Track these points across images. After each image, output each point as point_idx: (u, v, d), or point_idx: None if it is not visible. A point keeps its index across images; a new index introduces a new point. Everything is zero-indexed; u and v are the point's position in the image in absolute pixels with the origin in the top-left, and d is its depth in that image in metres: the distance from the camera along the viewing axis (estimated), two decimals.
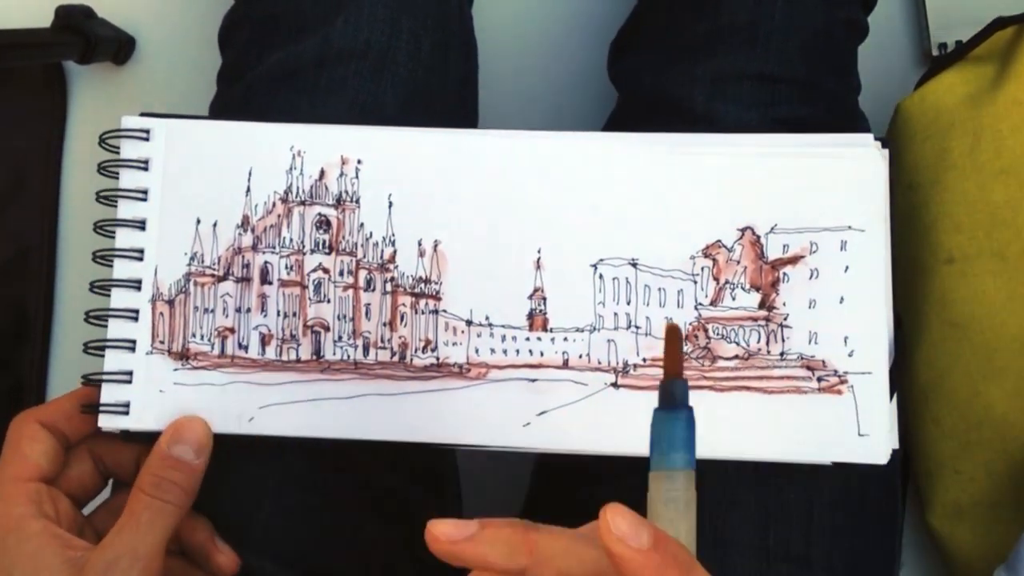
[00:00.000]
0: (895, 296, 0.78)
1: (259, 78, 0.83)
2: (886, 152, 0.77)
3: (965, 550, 0.93)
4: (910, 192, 0.91)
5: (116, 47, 1.11)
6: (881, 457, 0.76)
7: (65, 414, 0.76)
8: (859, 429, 0.76)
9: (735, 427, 0.76)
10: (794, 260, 0.77)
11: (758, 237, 0.77)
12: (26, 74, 1.13)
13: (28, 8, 1.11)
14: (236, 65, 0.87)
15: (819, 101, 0.86)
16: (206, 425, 0.75)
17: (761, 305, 0.77)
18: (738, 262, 0.77)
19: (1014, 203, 0.86)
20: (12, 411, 1.06)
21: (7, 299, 1.11)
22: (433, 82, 0.85)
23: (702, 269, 0.77)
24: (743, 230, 0.77)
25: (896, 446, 0.76)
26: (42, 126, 1.12)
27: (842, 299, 0.76)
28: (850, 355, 0.76)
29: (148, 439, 0.76)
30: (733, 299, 0.77)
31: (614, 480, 0.82)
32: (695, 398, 0.75)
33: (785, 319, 0.77)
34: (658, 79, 0.87)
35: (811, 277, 0.77)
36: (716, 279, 0.77)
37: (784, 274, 0.77)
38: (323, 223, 0.78)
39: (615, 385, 0.77)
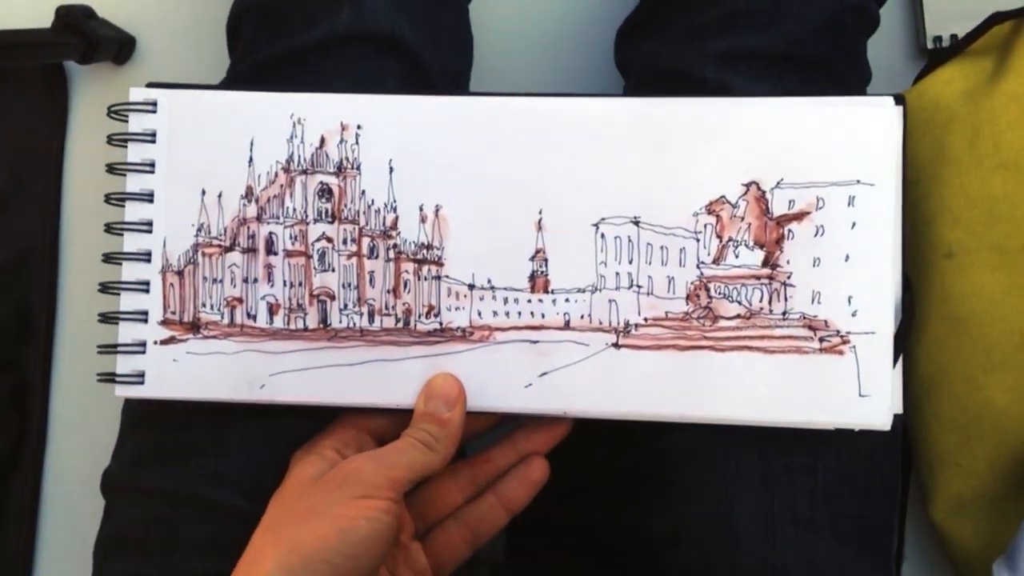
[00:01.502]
0: (907, 263, 0.78)
1: (265, 60, 0.85)
2: (900, 109, 0.78)
3: (967, 544, 0.93)
4: (909, 187, 0.91)
5: (117, 47, 1.11)
6: (882, 419, 0.76)
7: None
8: (860, 390, 0.76)
9: (735, 387, 0.76)
10: (800, 216, 0.77)
11: (763, 192, 0.77)
12: (26, 74, 1.13)
13: (28, 8, 1.11)
14: (242, 49, 0.88)
15: (829, 84, 0.86)
16: (457, 382, 0.77)
17: (765, 263, 0.77)
18: (742, 218, 0.77)
19: (1013, 197, 0.86)
20: (15, 411, 1.08)
21: (9, 299, 1.11)
22: (433, 65, 0.87)
23: (705, 226, 0.77)
24: (748, 185, 0.77)
25: (899, 411, 0.77)
26: (43, 126, 1.13)
27: (847, 257, 0.76)
28: (853, 315, 0.76)
29: (165, 407, 0.79)
30: (736, 257, 0.77)
31: (630, 443, 0.82)
32: (696, 358, 0.77)
33: (788, 277, 0.77)
34: (669, 59, 0.88)
35: (816, 234, 0.77)
36: (719, 236, 0.77)
37: (789, 231, 0.77)
38: (325, 191, 0.79)
39: (616, 345, 0.77)
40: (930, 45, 1.08)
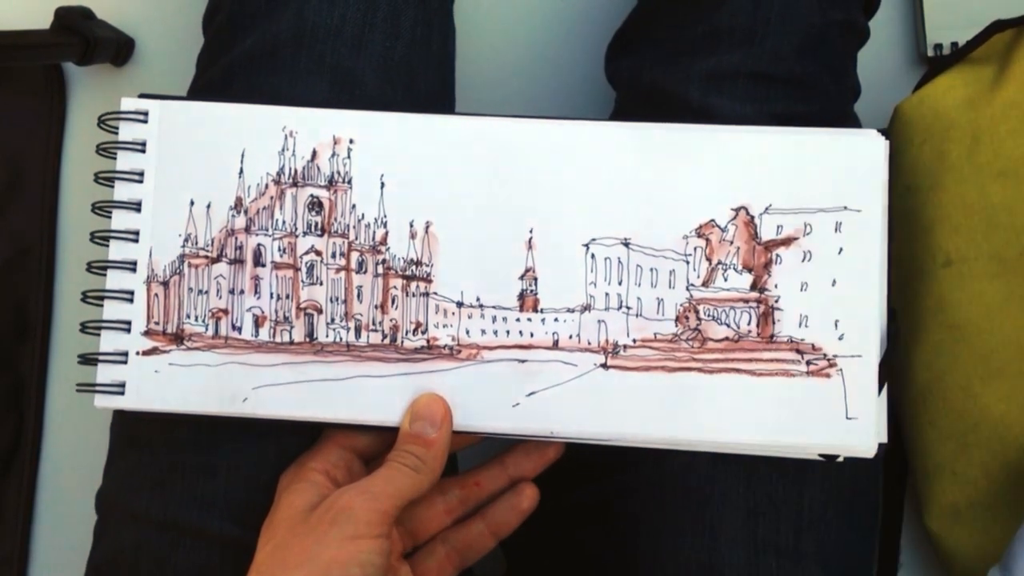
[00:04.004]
0: (892, 294, 0.78)
1: (237, 59, 0.84)
2: (886, 142, 0.78)
3: (963, 552, 0.93)
4: (908, 194, 0.91)
5: (115, 48, 1.11)
6: (868, 445, 0.76)
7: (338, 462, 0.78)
8: (847, 412, 0.76)
9: (723, 409, 0.76)
10: (787, 242, 0.77)
11: (752, 217, 0.77)
12: (26, 75, 1.13)
13: (27, 9, 1.11)
14: (213, 46, 0.87)
15: (814, 100, 0.86)
16: (442, 402, 0.77)
17: (753, 287, 0.77)
18: (731, 242, 0.77)
19: (1012, 205, 0.86)
20: (12, 411, 1.07)
21: (7, 299, 1.11)
22: (414, 58, 0.85)
23: (695, 249, 0.77)
24: (737, 210, 0.77)
25: (884, 440, 0.76)
26: (41, 127, 1.13)
27: (834, 282, 0.76)
28: (840, 339, 0.76)
29: (145, 418, 0.79)
30: (725, 280, 0.77)
31: (617, 470, 0.82)
32: (684, 380, 0.76)
33: (776, 301, 0.77)
34: (655, 77, 0.88)
35: (804, 259, 0.77)
36: (709, 259, 0.77)
37: (777, 255, 0.77)
38: (315, 204, 0.78)
39: (604, 366, 0.77)
40: (930, 52, 1.08)
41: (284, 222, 0.78)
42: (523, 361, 0.77)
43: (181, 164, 0.79)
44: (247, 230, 0.78)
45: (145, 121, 0.79)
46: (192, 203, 0.78)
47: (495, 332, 0.77)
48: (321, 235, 0.78)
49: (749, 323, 0.77)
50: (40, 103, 1.13)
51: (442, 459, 0.76)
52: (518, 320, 0.77)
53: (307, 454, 0.77)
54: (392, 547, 0.74)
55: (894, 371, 0.84)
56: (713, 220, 0.77)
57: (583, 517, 0.85)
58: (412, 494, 0.74)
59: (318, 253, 0.78)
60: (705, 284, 0.77)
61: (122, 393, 0.77)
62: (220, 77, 0.84)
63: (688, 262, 0.77)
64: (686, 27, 0.88)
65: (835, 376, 0.76)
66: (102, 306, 0.78)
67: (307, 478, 0.75)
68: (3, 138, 1.13)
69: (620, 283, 0.77)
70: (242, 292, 0.78)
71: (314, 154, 0.78)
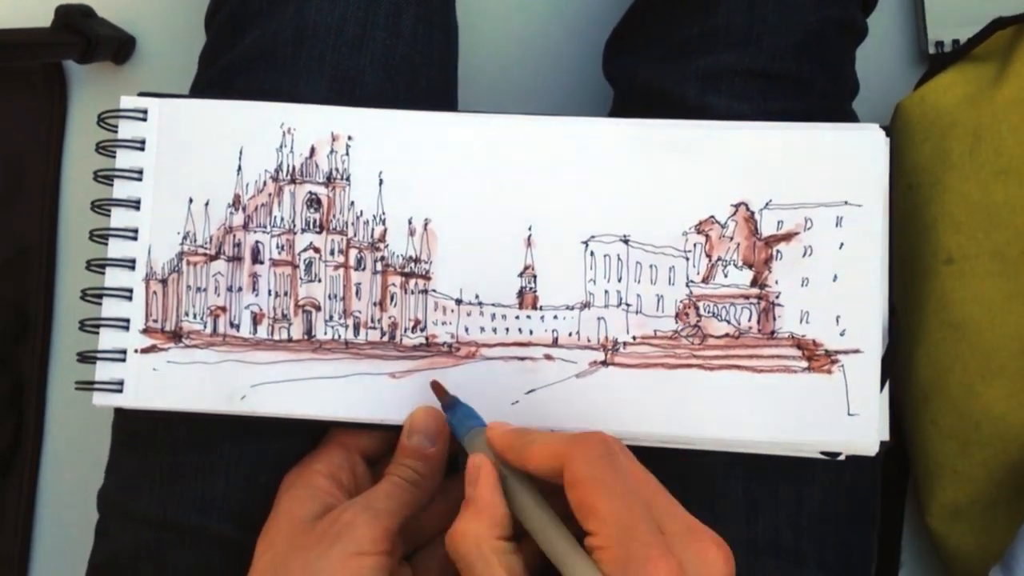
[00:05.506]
0: (894, 293, 0.77)
1: (237, 58, 0.84)
2: (888, 139, 0.77)
3: (963, 550, 0.93)
4: (909, 192, 0.91)
5: (116, 46, 1.11)
6: (871, 442, 0.75)
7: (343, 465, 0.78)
8: (848, 408, 0.75)
9: (724, 406, 0.76)
10: (788, 237, 0.77)
11: (752, 213, 0.77)
12: (26, 74, 1.13)
13: (28, 8, 1.11)
14: (215, 44, 0.87)
15: (811, 98, 0.86)
16: (438, 414, 0.76)
17: (753, 283, 0.77)
18: (731, 238, 0.77)
19: (1013, 203, 0.86)
20: (12, 410, 1.07)
21: (7, 299, 1.11)
22: (415, 57, 0.85)
23: (694, 245, 0.77)
24: (737, 206, 0.77)
25: (886, 437, 0.76)
26: (42, 126, 1.13)
27: (835, 277, 0.76)
28: (841, 334, 0.76)
29: (145, 417, 0.78)
30: (725, 276, 0.77)
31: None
32: (684, 377, 0.76)
33: (777, 297, 0.76)
34: (653, 76, 0.88)
35: (804, 255, 0.76)
36: (708, 256, 0.77)
37: (777, 251, 0.77)
38: (314, 201, 0.78)
39: (604, 363, 0.77)
40: (932, 50, 1.08)
41: (282, 219, 0.78)
42: (523, 359, 0.77)
43: (180, 162, 0.79)
44: (245, 227, 0.78)
45: (144, 119, 0.79)
46: (191, 201, 0.78)
47: (494, 330, 0.77)
48: (319, 232, 0.78)
49: (750, 319, 0.77)
50: (40, 102, 1.13)
51: (440, 471, 0.75)
52: (517, 318, 0.77)
53: (311, 456, 0.77)
54: (394, 551, 0.74)
55: (895, 368, 0.83)
56: (713, 216, 0.77)
57: None
58: (413, 509, 0.74)
59: (316, 250, 0.78)
60: (705, 280, 0.77)
61: (120, 391, 0.77)
62: (221, 75, 0.84)
63: (688, 258, 0.77)
64: (682, 25, 0.88)
65: (837, 372, 0.76)
66: (101, 304, 0.78)
67: (310, 482, 0.75)
68: (3, 137, 1.13)
69: (619, 280, 0.77)
70: (240, 289, 0.78)
71: (312, 151, 0.78)
